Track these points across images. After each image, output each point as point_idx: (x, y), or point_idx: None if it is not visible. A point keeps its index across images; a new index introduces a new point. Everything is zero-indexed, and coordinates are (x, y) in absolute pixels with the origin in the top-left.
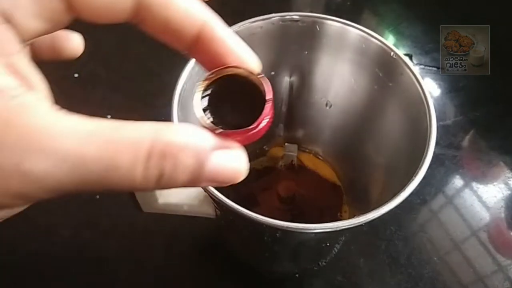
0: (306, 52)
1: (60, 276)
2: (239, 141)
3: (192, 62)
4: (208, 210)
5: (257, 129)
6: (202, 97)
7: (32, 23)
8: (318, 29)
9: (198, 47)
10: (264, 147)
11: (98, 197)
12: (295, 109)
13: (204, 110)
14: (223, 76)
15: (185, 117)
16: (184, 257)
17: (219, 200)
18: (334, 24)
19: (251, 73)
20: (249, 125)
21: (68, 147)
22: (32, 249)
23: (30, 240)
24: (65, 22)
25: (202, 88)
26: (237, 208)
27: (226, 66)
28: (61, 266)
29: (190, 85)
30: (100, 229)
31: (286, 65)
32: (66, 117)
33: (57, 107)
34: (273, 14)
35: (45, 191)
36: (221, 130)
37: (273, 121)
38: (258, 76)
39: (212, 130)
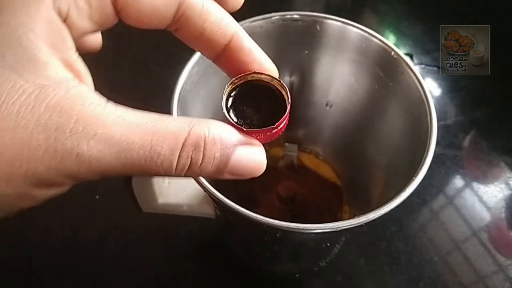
0: (306, 52)
1: (60, 276)
2: (259, 139)
3: (191, 62)
4: (208, 210)
5: (277, 129)
6: (228, 99)
7: (84, 23)
8: (318, 28)
9: (226, 55)
10: (264, 147)
11: (97, 197)
12: (295, 109)
13: (229, 109)
14: (247, 81)
15: None
16: (184, 257)
17: (219, 200)
18: (334, 24)
19: (273, 79)
20: (270, 125)
21: (119, 135)
22: (32, 249)
23: (30, 239)
24: (110, 25)
25: (228, 91)
26: (237, 208)
27: (251, 72)
28: (61, 266)
29: (190, 85)
30: (100, 229)
31: (286, 65)
32: (116, 108)
33: (105, 98)
34: (273, 14)
35: (94, 173)
36: (246, 128)
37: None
38: (280, 83)
39: (238, 128)
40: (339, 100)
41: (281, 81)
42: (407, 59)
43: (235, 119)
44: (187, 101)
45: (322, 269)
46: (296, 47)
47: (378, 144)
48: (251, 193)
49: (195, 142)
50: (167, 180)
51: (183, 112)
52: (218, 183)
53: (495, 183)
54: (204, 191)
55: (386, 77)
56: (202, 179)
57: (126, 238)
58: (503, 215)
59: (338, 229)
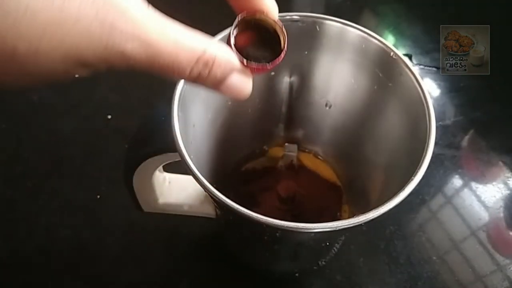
0: (306, 52)
1: (60, 276)
2: (251, 70)
3: None
4: (208, 210)
5: (268, 68)
6: (233, 31)
7: None
8: (318, 29)
9: None
10: (264, 147)
11: (99, 197)
12: (295, 109)
13: (235, 39)
14: (255, 19)
15: (185, 117)
16: (184, 257)
17: (219, 200)
18: (334, 24)
19: (276, 23)
20: (265, 62)
21: (156, 42)
22: (32, 248)
23: (31, 239)
24: None
25: (237, 23)
26: (237, 208)
27: (259, 12)
28: (61, 265)
29: (190, 85)
30: (101, 229)
31: (286, 65)
32: (154, 14)
33: (146, 1)
34: None
35: (127, 66)
36: (244, 60)
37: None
38: (281, 29)
39: (239, 57)
40: (339, 100)
41: (283, 28)
42: (406, 59)
43: (237, 50)
44: (187, 101)
45: (321, 268)
46: (296, 48)
47: (378, 144)
48: (251, 193)
49: (206, 61)
50: (167, 180)
51: (183, 112)
52: (218, 183)
53: (494, 182)
54: (205, 191)
55: (385, 77)
56: (203, 180)
57: (126, 237)
58: (502, 214)
59: (338, 229)
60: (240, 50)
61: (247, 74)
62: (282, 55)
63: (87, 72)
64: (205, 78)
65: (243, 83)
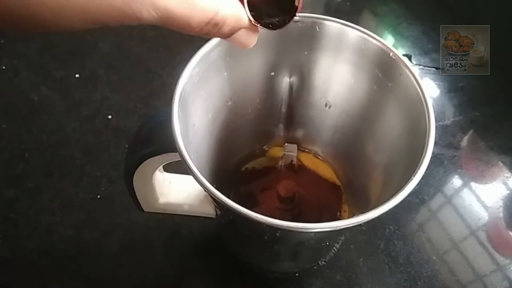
0: (306, 53)
1: (60, 275)
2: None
3: (192, 63)
4: (209, 210)
5: (278, 29)
6: None
7: None
8: (317, 29)
9: None
10: (264, 147)
11: (99, 196)
12: (295, 109)
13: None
14: None
15: (186, 117)
16: (184, 256)
17: (219, 200)
18: (333, 25)
19: None
20: (274, 19)
21: (170, 6)
22: (33, 248)
23: (31, 239)
24: None
25: None
26: (237, 208)
27: None
28: (62, 265)
29: (190, 85)
30: (101, 229)
31: (286, 66)
32: None
33: None
34: None
35: (140, 24)
36: (254, 21)
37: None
38: None
39: (249, 17)
40: (338, 100)
41: None
42: (405, 60)
43: (250, 3)
44: (187, 102)
45: (321, 268)
46: (295, 48)
47: (377, 144)
48: (251, 193)
49: (216, 22)
50: (167, 180)
51: (183, 112)
52: (218, 183)
53: (493, 182)
54: (205, 191)
55: (384, 78)
56: (203, 180)
57: (127, 237)
58: (501, 214)
59: (338, 229)
60: (253, 4)
61: (254, 30)
62: (290, 21)
63: (100, 27)
64: (213, 34)
65: (248, 38)
